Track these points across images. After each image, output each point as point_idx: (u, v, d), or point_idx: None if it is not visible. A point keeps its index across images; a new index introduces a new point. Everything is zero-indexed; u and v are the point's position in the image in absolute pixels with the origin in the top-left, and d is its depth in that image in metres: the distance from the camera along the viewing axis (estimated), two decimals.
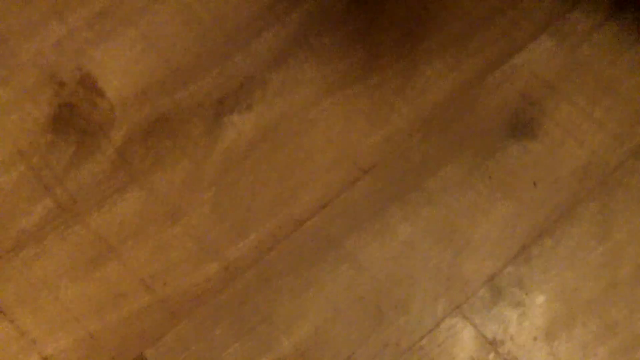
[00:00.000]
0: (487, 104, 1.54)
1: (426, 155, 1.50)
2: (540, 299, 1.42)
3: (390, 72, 1.54)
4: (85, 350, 1.38)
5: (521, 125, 1.52)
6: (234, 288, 1.41)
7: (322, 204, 1.46)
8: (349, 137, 1.51)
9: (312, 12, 1.59)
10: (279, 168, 1.49)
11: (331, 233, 1.43)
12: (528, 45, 1.58)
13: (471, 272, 1.44)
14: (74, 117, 1.52)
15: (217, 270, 1.42)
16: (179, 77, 1.53)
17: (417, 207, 1.48)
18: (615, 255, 1.45)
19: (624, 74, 1.56)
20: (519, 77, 1.56)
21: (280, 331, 1.38)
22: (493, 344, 1.39)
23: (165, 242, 1.44)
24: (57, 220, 1.45)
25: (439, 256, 1.45)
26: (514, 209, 1.48)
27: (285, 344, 1.37)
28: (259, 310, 1.39)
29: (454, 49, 1.57)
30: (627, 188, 1.49)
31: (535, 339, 1.40)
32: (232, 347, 1.38)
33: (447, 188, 1.49)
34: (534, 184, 1.50)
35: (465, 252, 1.45)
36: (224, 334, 1.39)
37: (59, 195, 1.46)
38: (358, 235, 1.44)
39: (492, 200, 1.49)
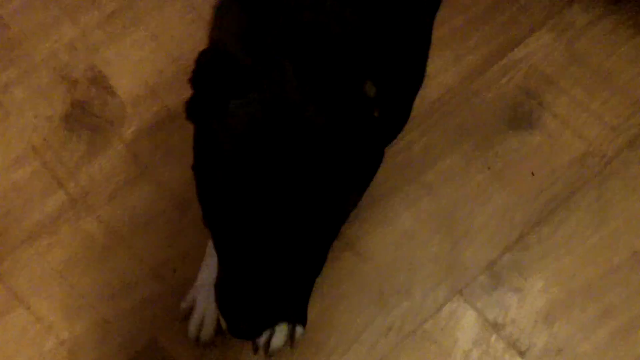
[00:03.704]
0: (487, 97, 1.57)
1: (427, 147, 1.54)
2: (539, 284, 1.46)
3: None
4: (99, 335, 1.42)
5: (520, 118, 1.56)
6: None
7: None
8: None
9: None
10: None
11: None
12: (527, 40, 1.61)
13: (471, 259, 1.47)
14: (85, 114, 1.56)
15: None
16: (187, 76, 1.56)
17: (417, 198, 1.51)
18: (611, 242, 1.48)
19: (621, 67, 1.59)
20: (518, 71, 1.59)
21: None
22: (494, 327, 1.43)
23: (174, 233, 1.47)
24: (69, 212, 1.49)
25: (440, 244, 1.48)
26: (512, 199, 1.51)
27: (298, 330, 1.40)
28: None
29: (454, 43, 1.61)
30: (623, 178, 1.52)
31: (535, 322, 1.43)
32: None
33: (446, 179, 1.53)
34: (532, 174, 1.53)
35: (465, 240, 1.49)
36: None
37: (71, 189, 1.51)
38: (360, 225, 1.48)
39: (491, 190, 1.52)
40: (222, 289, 1.05)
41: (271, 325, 1.19)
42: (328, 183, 0.98)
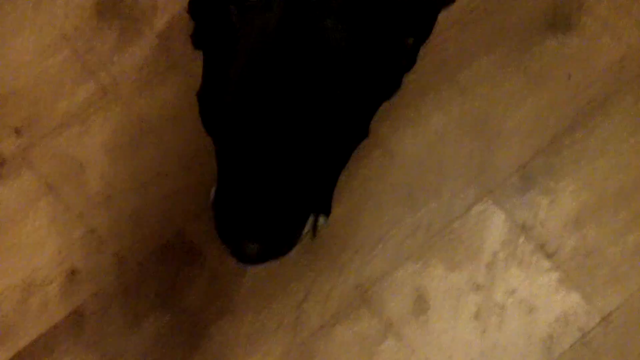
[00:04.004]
0: None
1: (462, 47, 1.51)
2: (570, 187, 1.44)
3: None
4: (128, 225, 1.43)
5: (559, 20, 1.52)
6: None
7: None
8: None
9: None
10: None
11: None
12: None
13: (502, 161, 1.46)
14: (118, 3, 1.54)
15: None
16: None
17: (450, 98, 1.50)
18: None
19: None
20: None
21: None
22: (523, 228, 1.42)
23: None
24: (100, 102, 1.49)
25: (471, 145, 1.47)
26: (547, 101, 1.49)
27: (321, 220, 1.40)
28: None
29: None
30: None
31: (564, 225, 1.43)
32: None
33: (481, 80, 1.51)
34: (569, 76, 1.50)
35: (497, 142, 1.47)
36: None
37: (102, 79, 1.50)
38: (391, 123, 1.46)
39: (526, 92, 1.50)
40: (221, 206, 1.03)
41: (279, 252, 1.09)
42: (336, 102, 0.95)
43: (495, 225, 1.42)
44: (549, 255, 1.40)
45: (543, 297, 1.38)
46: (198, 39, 1.04)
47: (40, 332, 1.36)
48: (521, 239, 1.41)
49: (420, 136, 1.47)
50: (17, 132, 1.46)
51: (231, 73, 0.94)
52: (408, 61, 1.11)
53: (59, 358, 1.35)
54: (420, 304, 1.37)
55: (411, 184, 1.44)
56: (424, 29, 1.12)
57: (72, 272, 1.39)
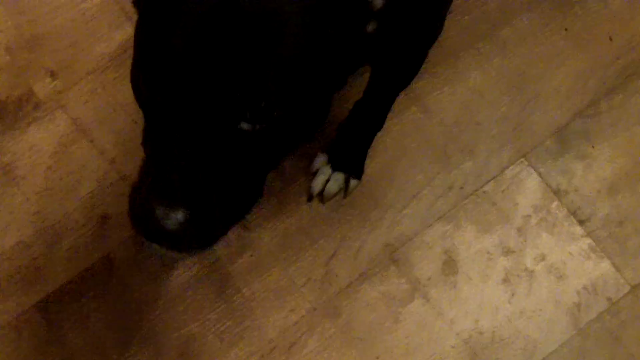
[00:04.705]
0: None
1: (502, 3, 1.49)
2: (606, 152, 1.43)
3: None
4: None
5: None
6: None
7: None
8: None
9: None
10: None
11: None
12: None
13: (539, 123, 1.45)
14: None
15: None
16: None
17: (489, 56, 1.48)
18: None
19: None
20: None
21: None
22: (557, 193, 1.41)
23: None
24: None
25: (508, 105, 1.45)
26: (587, 63, 1.47)
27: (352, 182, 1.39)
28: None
29: None
30: None
31: (599, 191, 1.42)
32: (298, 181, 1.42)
33: (521, 38, 1.48)
34: (610, 38, 1.48)
35: (534, 103, 1.45)
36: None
37: None
38: (428, 79, 1.45)
39: (566, 53, 1.48)
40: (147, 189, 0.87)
41: (209, 240, 0.91)
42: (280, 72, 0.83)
43: (528, 188, 1.41)
44: (581, 222, 1.39)
45: (573, 265, 1.38)
46: None
47: (69, 277, 1.36)
48: (554, 204, 1.40)
49: (458, 94, 1.45)
50: (53, 74, 1.45)
51: (172, 39, 0.83)
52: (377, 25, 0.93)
53: (87, 304, 1.35)
54: (450, 266, 1.37)
55: (446, 143, 1.43)
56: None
57: (104, 218, 1.39)
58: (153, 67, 0.85)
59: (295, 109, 0.87)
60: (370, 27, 0.89)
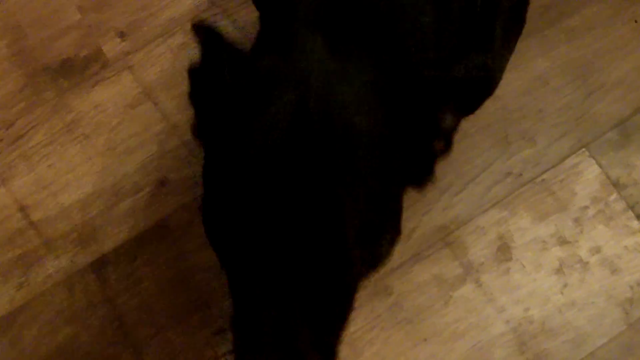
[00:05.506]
0: None
1: None
2: None
3: None
4: None
5: None
6: None
7: None
8: None
9: None
10: None
11: None
12: None
13: (602, 114, 1.43)
14: None
15: None
16: None
17: (555, 43, 1.46)
18: None
19: None
20: None
21: None
22: (616, 186, 1.40)
23: None
24: (206, 13, 1.47)
25: (572, 94, 1.44)
26: None
27: None
28: None
29: None
30: None
31: None
32: None
33: (589, 27, 1.47)
34: None
35: (599, 93, 1.44)
36: None
37: None
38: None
39: (634, 44, 1.46)
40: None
41: None
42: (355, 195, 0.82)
43: (587, 179, 1.40)
44: (639, 217, 1.38)
45: (628, 259, 1.36)
46: (200, 129, 0.93)
47: (124, 239, 1.37)
48: (612, 197, 1.39)
49: (521, 80, 1.44)
50: (122, 35, 1.45)
51: (248, 173, 0.82)
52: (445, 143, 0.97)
53: (140, 267, 1.36)
54: (503, 253, 1.36)
55: (507, 128, 1.42)
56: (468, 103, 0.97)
57: (162, 183, 1.39)
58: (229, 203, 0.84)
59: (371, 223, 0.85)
60: (439, 145, 0.88)
